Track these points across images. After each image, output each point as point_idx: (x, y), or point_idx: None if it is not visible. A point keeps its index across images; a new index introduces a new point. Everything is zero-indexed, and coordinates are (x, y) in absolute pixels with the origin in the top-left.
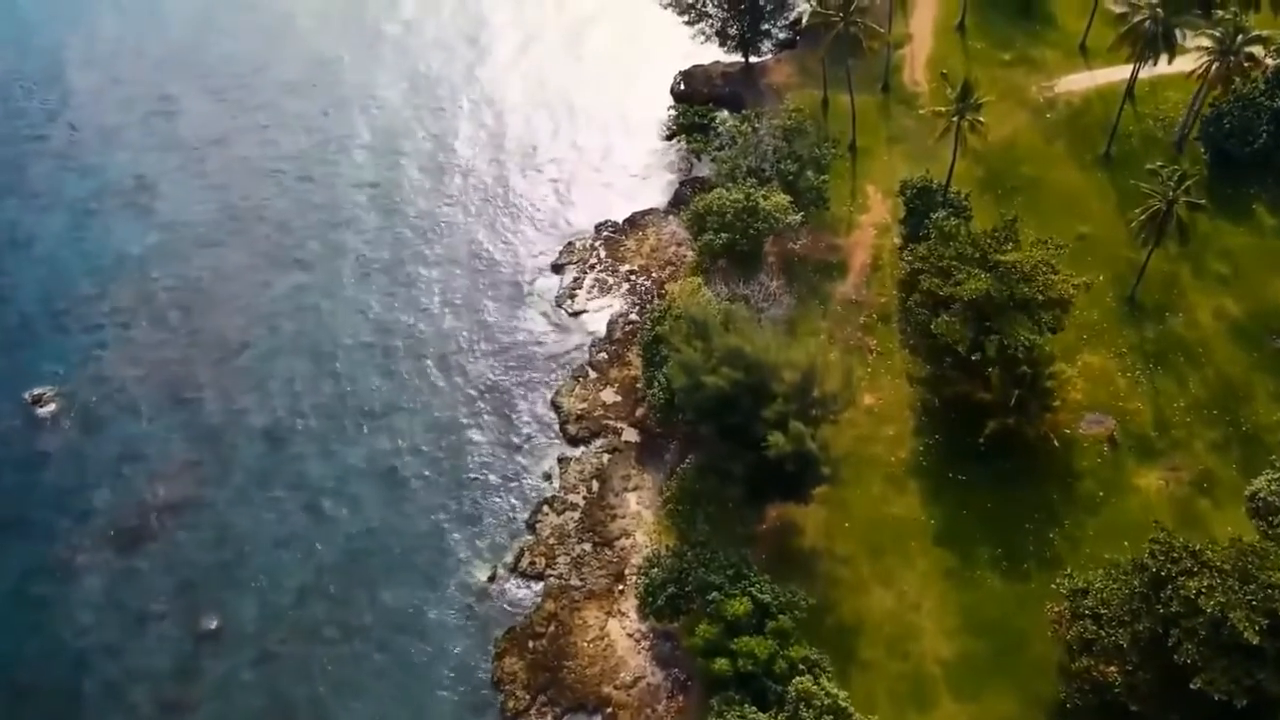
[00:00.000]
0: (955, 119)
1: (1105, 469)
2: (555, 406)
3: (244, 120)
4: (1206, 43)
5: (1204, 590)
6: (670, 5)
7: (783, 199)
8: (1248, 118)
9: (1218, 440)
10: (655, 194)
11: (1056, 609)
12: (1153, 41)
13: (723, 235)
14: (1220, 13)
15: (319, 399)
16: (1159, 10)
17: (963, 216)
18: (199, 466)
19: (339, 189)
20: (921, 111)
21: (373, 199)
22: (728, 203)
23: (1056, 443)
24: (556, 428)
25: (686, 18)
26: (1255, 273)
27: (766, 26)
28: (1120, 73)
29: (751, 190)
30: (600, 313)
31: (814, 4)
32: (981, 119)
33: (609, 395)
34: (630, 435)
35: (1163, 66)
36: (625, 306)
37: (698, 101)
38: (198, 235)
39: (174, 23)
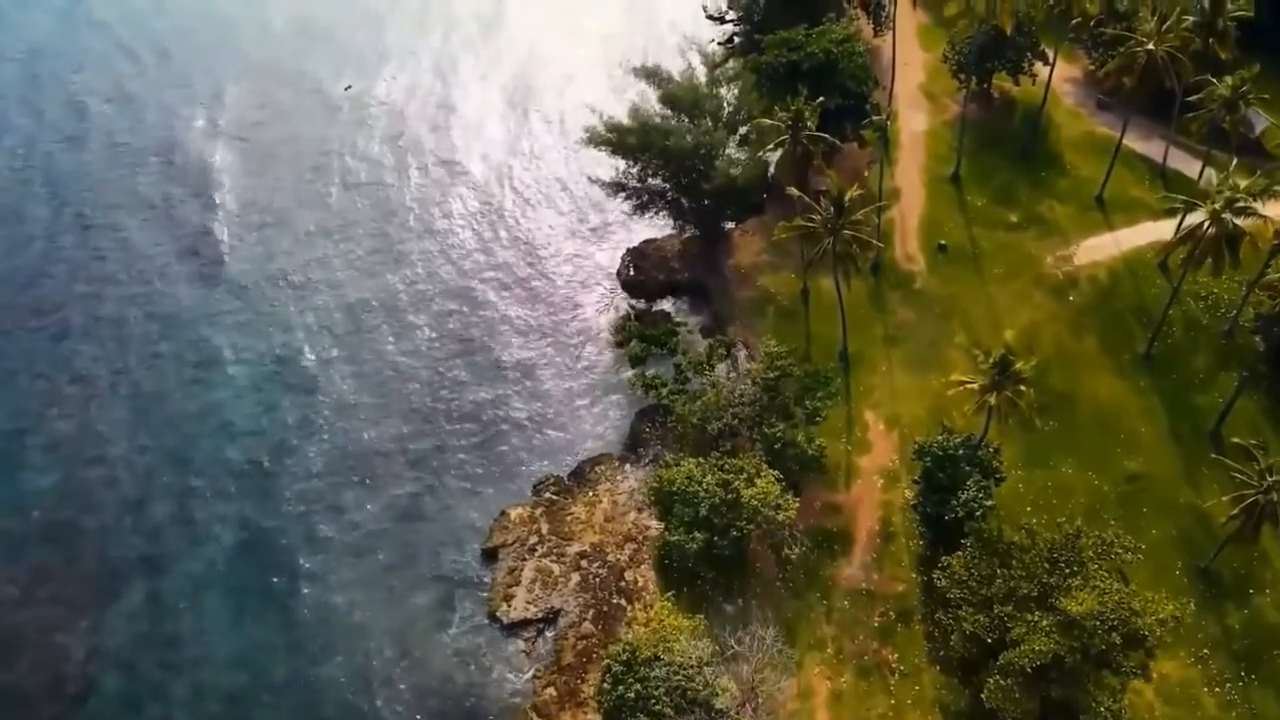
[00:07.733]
0: (991, 395)
1: None
2: None
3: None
4: None
5: None
6: (609, 189)
7: (771, 483)
8: None
9: None
10: (606, 431)
11: None
12: (1217, 247)
13: (697, 536)
14: None
15: None
16: (1225, 217)
17: (994, 479)
18: None
19: (196, 445)
20: (950, 393)
21: (249, 460)
22: (701, 492)
23: None
24: None
25: (632, 202)
26: None
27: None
28: (1147, 233)
29: (729, 474)
30: (545, 623)
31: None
32: (1023, 387)
33: None
34: None
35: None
36: (577, 611)
37: (650, 290)
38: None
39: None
